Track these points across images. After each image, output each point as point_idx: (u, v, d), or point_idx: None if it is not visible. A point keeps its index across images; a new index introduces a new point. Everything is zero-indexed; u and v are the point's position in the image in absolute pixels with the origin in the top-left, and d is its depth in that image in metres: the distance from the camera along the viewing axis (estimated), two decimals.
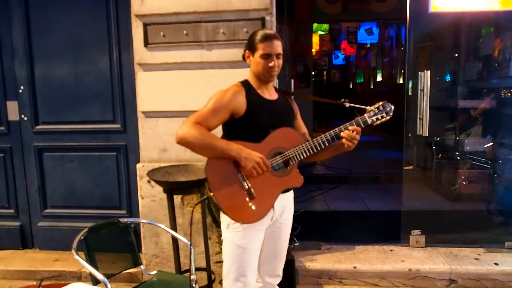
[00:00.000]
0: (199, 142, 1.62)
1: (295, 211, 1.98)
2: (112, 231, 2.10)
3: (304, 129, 1.97)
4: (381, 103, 1.78)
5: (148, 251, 2.97)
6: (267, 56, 1.71)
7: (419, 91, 3.03)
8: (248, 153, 1.64)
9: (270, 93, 1.83)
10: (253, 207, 1.69)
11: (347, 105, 1.85)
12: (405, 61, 3.81)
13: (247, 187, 1.68)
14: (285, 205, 1.86)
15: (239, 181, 1.67)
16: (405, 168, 3.57)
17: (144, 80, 2.85)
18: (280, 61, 1.76)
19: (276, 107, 1.82)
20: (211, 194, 1.69)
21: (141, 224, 2.96)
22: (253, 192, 1.68)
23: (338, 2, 6.49)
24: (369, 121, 1.77)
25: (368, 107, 1.79)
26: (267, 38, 1.71)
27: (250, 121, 1.72)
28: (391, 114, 1.79)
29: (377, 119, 1.77)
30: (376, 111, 1.77)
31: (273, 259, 1.93)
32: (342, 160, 5.93)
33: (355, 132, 1.72)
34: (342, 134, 1.73)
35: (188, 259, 1.91)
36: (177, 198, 2.81)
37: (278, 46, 1.73)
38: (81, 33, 3.06)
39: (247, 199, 1.69)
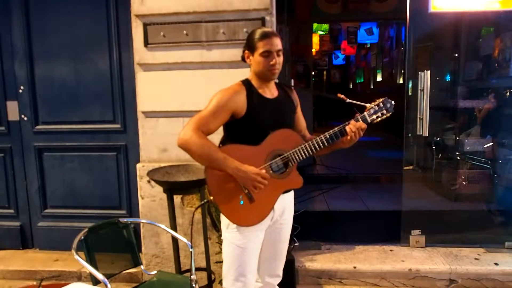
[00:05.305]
0: (199, 152, 1.61)
1: (295, 211, 1.97)
2: (112, 231, 2.10)
3: (302, 122, 1.96)
4: (381, 99, 1.75)
5: (148, 251, 2.97)
6: (267, 54, 1.70)
7: (419, 91, 3.02)
8: (245, 172, 1.63)
9: (271, 92, 1.82)
10: (253, 210, 1.69)
11: (347, 100, 1.82)
12: (405, 61, 3.81)
13: (246, 190, 1.67)
14: (285, 206, 1.85)
15: (238, 184, 1.67)
16: (405, 168, 3.57)
17: (144, 80, 2.85)
18: (281, 58, 1.74)
19: (277, 105, 1.81)
20: (211, 198, 1.68)
21: (141, 224, 2.96)
22: (252, 195, 1.68)
23: (338, 2, 6.49)
24: (369, 120, 1.74)
25: (368, 105, 1.76)
26: (266, 36, 1.70)
27: (250, 121, 1.72)
28: (392, 110, 1.75)
29: (377, 117, 1.74)
30: (376, 108, 1.74)
31: (273, 259, 1.93)
32: (342, 160, 5.94)
33: (360, 128, 1.72)
34: (347, 128, 1.72)
35: (188, 259, 1.91)
36: (177, 198, 2.81)
37: (277, 42, 1.71)
38: (81, 33, 3.06)
39: (247, 202, 1.69)
